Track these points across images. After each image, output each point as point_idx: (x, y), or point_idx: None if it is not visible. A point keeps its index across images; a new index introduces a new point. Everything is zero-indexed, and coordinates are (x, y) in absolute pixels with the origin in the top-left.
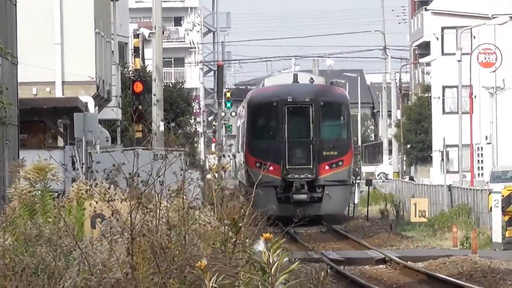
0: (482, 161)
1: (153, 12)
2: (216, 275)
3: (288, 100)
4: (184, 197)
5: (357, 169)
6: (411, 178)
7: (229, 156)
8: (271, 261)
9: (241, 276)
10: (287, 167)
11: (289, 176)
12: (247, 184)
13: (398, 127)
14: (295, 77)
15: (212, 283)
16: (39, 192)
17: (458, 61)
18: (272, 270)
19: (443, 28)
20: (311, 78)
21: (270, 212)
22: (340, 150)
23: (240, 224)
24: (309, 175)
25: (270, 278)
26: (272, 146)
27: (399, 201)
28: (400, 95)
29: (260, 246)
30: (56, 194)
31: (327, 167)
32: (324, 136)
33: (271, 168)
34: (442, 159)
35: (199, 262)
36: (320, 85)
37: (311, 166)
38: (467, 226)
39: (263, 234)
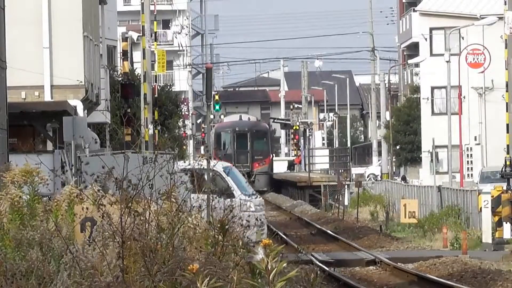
0: (471, 161)
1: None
2: (208, 278)
3: (236, 129)
4: (173, 200)
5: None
6: (404, 178)
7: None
8: (269, 267)
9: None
10: (235, 165)
11: None
12: None
13: (387, 128)
14: (240, 117)
15: (205, 286)
16: (27, 196)
17: (447, 61)
18: (270, 276)
19: (431, 29)
20: (249, 118)
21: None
22: (264, 156)
23: (227, 227)
24: (248, 169)
25: (268, 284)
26: (227, 154)
27: (389, 202)
28: (389, 96)
29: (260, 253)
30: (44, 199)
31: (257, 165)
32: (255, 148)
33: None
34: (432, 160)
35: (190, 266)
36: (254, 121)
37: (248, 164)
38: (457, 227)
39: (262, 240)
